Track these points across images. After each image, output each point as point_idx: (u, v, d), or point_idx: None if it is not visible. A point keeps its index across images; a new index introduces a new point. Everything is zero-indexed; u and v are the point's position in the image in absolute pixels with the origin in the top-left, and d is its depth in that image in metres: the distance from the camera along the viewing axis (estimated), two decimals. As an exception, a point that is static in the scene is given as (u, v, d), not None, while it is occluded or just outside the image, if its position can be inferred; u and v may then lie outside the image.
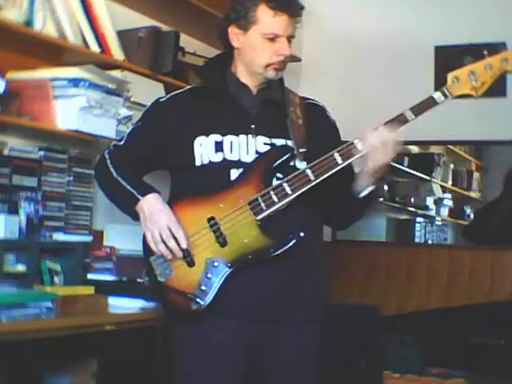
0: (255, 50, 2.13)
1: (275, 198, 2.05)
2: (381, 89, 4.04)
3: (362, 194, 2.11)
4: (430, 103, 2.07)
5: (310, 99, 2.30)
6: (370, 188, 2.10)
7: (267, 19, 2.10)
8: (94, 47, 2.86)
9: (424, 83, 3.83)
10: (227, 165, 2.11)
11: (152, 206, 2.12)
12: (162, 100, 2.27)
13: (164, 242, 2.07)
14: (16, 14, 2.57)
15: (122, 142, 2.26)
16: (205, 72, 2.33)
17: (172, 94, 2.28)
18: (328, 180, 2.07)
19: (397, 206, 5.83)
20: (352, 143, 2.05)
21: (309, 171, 2.05)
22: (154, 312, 2.31)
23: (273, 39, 2.11)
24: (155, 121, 2.24)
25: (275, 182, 2.08)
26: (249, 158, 2.12)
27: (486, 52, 2.09)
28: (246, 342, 2.11)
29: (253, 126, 2.14)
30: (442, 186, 6.52)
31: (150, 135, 2.22)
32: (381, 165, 2.05)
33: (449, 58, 3.84)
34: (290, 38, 2.14)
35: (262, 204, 2.05)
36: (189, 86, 2.34)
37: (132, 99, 2.95)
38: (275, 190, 2.05)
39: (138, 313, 2.46)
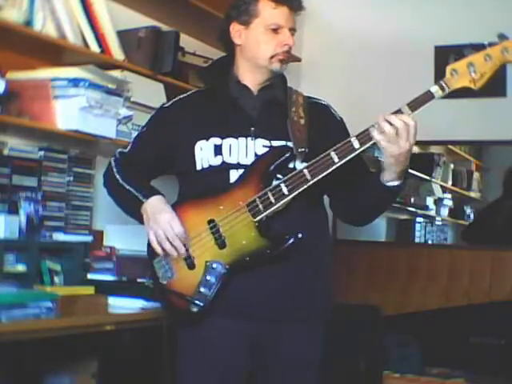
0: (258, 43, 2.13)
1: (272, 199, 2.04)
2: (381, 89, 4.04)
3: (389, 184, 2.04)
4: (427, 97, 2.01)
5: (314, 98, 2.28)
6: (396, 183, 2.03)
7: (269, 11, 2.12)
8: (94, 47, 2.86)
9: (424, 83, 3.79)
10: (226, 168, 2.11)
11: (154, 206, 2.13)
12: (165, 106, 2.29)
13: (169, 240, 2.08)
14: (16, 14, 2.57)
15: (127, 149, 2.28)
16: (206, 74, 2.33)
17: (176, 99, 2.28)
18: (343, 174, 2.04)
19: (397, 206, 5.82)
20: (349, 141, 2.02)
21: (306, 171, 2.03)
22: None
23: (275, 30, 2.12)
24: (159, 127, 2.25)
25: (275, 183, 2.07)
26: (248, 160, 2.11)
27: (486, 43, 2.03)
28: (247, 343, 2.11)
29: (252, 129, 2.13)
30: (441, 186, 6.51)
31: (154, 142, 2.24)
32: (397, 154, 1.97)
33: (449, 58, 3.84)
34: (291, 31, 2.15)
35: (260, 205, 2.04)
36: (193, 90, 2.35)
37: (132, 99, 2.95)
38: (272, 191, 2.04)
39: (138, 313, 2.45)
